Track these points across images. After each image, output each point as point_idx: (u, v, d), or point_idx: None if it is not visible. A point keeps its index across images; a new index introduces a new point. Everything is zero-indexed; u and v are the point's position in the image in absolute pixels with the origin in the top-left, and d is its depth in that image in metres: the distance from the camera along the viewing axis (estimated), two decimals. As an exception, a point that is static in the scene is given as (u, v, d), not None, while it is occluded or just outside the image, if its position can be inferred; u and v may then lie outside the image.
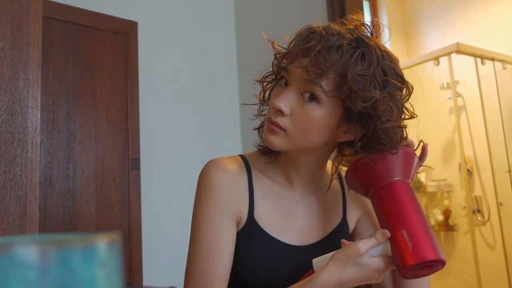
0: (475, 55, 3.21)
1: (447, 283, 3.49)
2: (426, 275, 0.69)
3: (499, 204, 3.17)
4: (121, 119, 2.44)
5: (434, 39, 3.79)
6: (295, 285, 0.71)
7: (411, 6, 4.04)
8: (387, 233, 0.69)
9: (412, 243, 0.66)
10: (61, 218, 2.15)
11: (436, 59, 3.25)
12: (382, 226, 0.71)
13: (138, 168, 2.44)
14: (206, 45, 2.89)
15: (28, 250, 0.19)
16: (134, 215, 2.38)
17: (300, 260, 0.78)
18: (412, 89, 0.75)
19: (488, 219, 3.27)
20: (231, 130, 2.86)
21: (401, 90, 0.72)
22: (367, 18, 3.95)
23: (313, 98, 0.70)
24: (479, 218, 3.32)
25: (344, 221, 0.87)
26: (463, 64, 3.30)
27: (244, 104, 0.86)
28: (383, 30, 0.79)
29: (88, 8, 2.40)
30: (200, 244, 0.75)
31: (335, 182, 0.88)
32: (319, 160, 0.81)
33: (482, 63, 3.23)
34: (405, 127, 0.73)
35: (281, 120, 0.72)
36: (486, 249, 3.27)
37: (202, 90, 2.81)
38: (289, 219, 0.81)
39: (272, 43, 0.77)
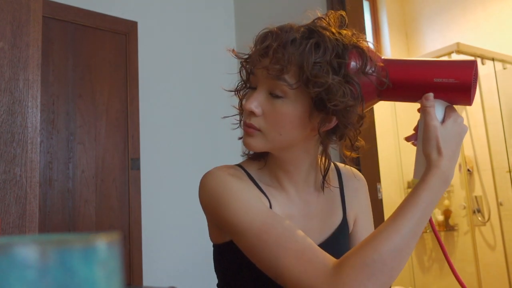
0: (475, 55, 3.21)
1: (447, 283, 3.49)
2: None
3: (499, 204, 3.17)
4: (121, 119, 2.44)
5: (434, 39, 3.79)
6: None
7: (411, 6, 4.04)
8: (429, 95, 0.71)
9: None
10: (61, 218, 2.15)
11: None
12: (415, 91, 0.73)
13: (138, 168, 2.44)
14: (206, 45, 2.89)
15: (28, 250, 0.19)
16: (134, 215, 2.38)
17: None
18: (372, 62, 0.73)
19: (488, 219, 3.27)
20: (231, 130, 2.86)
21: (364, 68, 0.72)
22: (367, 18, 3.95)
23: (280, 96, 0.73)
24: (479, 218, 3.32)
25: (344, 220, 0.86)
26: (463, 64, 3.29)
27: (225, 117, 0.88)
28: (340, 18, 0.78)
29: (88, 8, 2.41)
30: (264, 236, 0.68)
31: (333, 180, 0.88)
32: (305, 157, 0.80)
33: (482, 63, 3.23)
34: (363, 110, 0.73)
35: (255, 121, 0.75)
36: (486, 249, 3.27)
37: (202, 90, 2.81)
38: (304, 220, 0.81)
39: (233, 51, 0.79)
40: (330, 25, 0.75)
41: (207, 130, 2.78)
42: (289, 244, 0.66)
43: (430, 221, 0.72)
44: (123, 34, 2.52)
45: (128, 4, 2.59)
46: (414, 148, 0.77)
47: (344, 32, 0.74)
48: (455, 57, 3.17)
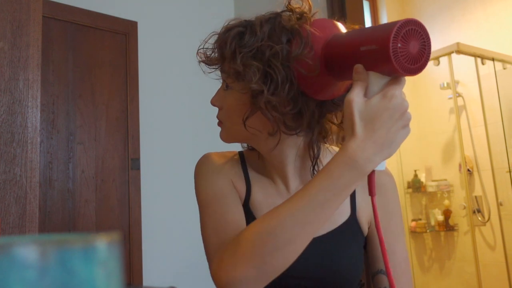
0: (475, 55, 3.21)
1: (447, 283, 3.49)
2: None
3: (499, 204, 3.17)
4: (121, 119, 2.43)
5: (434, 39, 3.79)
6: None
7: (411, 6, 4.04)
8: (357, 66, 0.60)
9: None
10: (61, 218, 2.15)
11: (436, 59, 3.25)
12: (349, 65, 0.62)
13: (138, 168, 2.44)
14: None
15: (28, 250, 0.19)
16: (134, 215, 2.38)
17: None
18: (304, 39, 0.66)
19: (488, 219, 3.27)
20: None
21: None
22: (367, 18, 3.95)
23: (227, 86, 0.76)
24: (479, 218, 3.32)
25: (353, 219, 0.80)
26: (463, 64, 3.30)
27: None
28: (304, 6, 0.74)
29: (88, 8, 2.40)
30: (207, 210, 0.77)
31: None
32: (289, 151, 0.77)
33: (482, 63, 3.23)
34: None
35: (219, 115, 0.80)
36: (486, 249, 3.27)
37: (202, 90, 2.81)
38: None
39: (197, 53, 0.81)
40: (292, 13, 0.71)
41: (207, 130, 2.78)
42: (212, 220, 0.74)
43: (375, 215, 0.61)
44: (123, 34, 2.52)
45: (128, 4, 2.59)
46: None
47: (288, 17, 0.70)
48: (454, 57, 3.17)
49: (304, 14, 0.70)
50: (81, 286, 0.20)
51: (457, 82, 3.45)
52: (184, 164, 2.64)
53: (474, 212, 3.30)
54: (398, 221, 0.81)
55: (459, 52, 3.10)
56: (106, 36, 2.46)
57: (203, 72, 0.83)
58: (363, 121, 0.58)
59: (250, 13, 0.79)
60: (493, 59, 3.24)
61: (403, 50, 0.56)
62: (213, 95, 0.81)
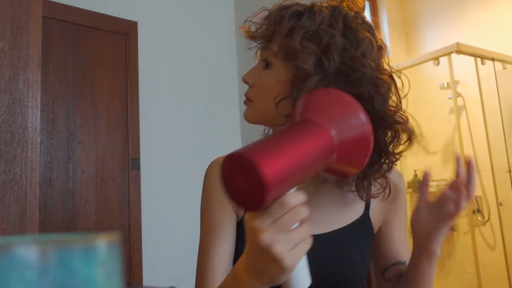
0: (475, 55, 3.21)
1: (447, 283, 3.49)
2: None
3: (499, 204, 3.17)
4: (121, 119, 2.43)
5: (434, 39, 3.79)
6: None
7: (411, 6, 4.04)
8: None
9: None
10: (61, 218, 2.15)
11: (436, 59, 3.25)
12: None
13: (138, 168, 2.44)
14: (206, 45, 2.89)
15: (28, 250, 0.19)
16: (134, 215, 2.38)
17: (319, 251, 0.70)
18: (382, 45, 0.71)
19: (488, 219, 3.27)
20: (231, 130, 2.86)
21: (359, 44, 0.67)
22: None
23: (268, 64, 0.73)
24: (479, 218, 3.32)
25: (366, 217, 0.80)
26: (463, 64, 3.30)
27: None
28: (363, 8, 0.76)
29: (88, 8, 2.41)
30: (202, 229, 0.79)
31: None
32: None
33: (482, 63, 3.23)
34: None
35: (248, 92, 0.77)
36: (486, 249, 3.27)
37: (202, 90, 2.81)
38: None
39: (240, 28, 0.79)
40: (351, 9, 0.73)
41: (207, 129, 2.78)
42: (203, 247, 0.76)
43: None
44: (123, 34, 2.52)
45: (128, 4, 2.59)
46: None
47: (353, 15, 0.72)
48: (454, 57, 3.17)
49: (365, 20, 0.73)
50: (81, 286, 0.20)
51: (457, 82, 3.45)
52: (184, 164, 2.64)
53: (474, 212, 3.30)
54: (406, 219, 0.84)
55: (459, 52, 3.10)
56: (106, 36, 2.46)
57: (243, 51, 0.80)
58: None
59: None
60: (493, 59, 3.24)
61: (231, 186, 0.49)
62: (246, 72, 0.77)
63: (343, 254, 0.77)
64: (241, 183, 0.47)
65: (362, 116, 0.55)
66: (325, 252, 0.75)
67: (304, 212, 0.50)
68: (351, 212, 0.80)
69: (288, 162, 0.48)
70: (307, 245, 0.50)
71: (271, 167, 0.45)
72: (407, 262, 0.80)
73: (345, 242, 0.77)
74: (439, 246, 0.71)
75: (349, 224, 0.79)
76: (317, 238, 0.71)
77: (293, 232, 0.49)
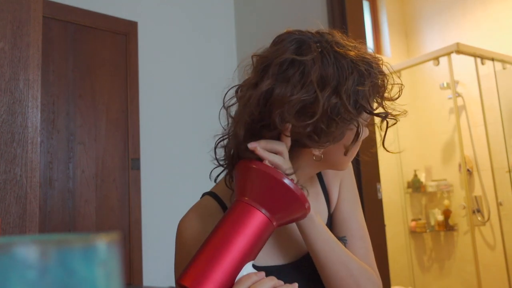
0: (475, 55, 3.21)
1: (447, 283, 3.49)
2: None
3: (499, 204, 3.17)
4: (121, 119, 2.44)
5: (434, 39, 3.79)
6: None
7: (411, 6, 4.04)
8: None
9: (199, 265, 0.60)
10: (61, 218, 2.15)
11: (436, 59, 3.25)
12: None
13: (138, 168, 2.44)
14: (206, 45, 2.89)
15: (28, 250, 0.19)
16: (134, 215, 2.38)
17: (293, 279, 0.69)
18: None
19: (488, 219, 3.27)
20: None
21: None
22: (367, 18, 3.95)
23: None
24: (479, 218, 3.32)
25: (329, 216, 0.84)
26: (463, 64, 3.30)
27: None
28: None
29: (88, 8, 2.41)
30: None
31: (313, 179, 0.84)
32: None
33: (482, 63, 3.23)
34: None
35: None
36: (486, 249, 3.27)
37: (202, 90, 2.81)
38: (272, 238, 0.77)
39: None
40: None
41: (207, 130, 2.78)
42: None
43: None
44: (123, 34, 2.52)
45: (128, 4, 2.59)
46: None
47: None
48: (454, 57, 3.17)
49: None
50: (81, 286, 0.20)
51: (457, 82, 3.45)
52: (184, 164, 2.64)
53: (474, 212, 3.30)
54: (356, 192, 0.87)
55: (459, 52, 3.10)
56: (106, 36, 2.46)
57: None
58: None
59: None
60: (493, 59, 3.24)
61: None
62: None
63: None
64: None
65: (287, 184, 0.60)
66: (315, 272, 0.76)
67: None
68: (322, 208, 0.83)
69: (226, 271, 0.58)
70: None
71: (209, 286, 0.57)
72: (348, 238, 0.81)
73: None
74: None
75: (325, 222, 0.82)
76: (299, 263, 0.73)
77: None
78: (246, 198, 0.62)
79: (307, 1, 2.50)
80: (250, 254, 0.60)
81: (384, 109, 0.70)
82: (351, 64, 0.64)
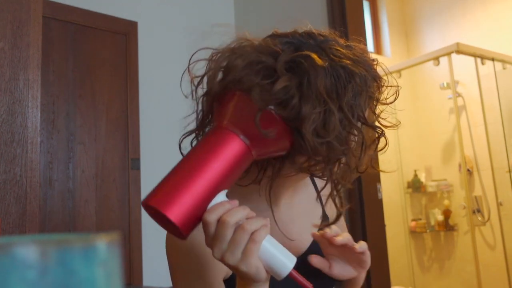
0: (475, 55, 3.21)
1: (447, 283, 3.49)
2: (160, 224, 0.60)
3: (499, 204, 3.17)
4: (121, 119, 2.44)
5: (434, 39, 3.79)
6: None
7: (411, 6, 4.04)
8: None
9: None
10: (61, 218, 2.15)
11: (436, 59, 3.25)
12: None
13: (138, 168, 2.44)
14: (206, 45, 2.89)
15: (28, 250, 0.19)
16: (134, 215, 2.38)
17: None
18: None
19: (488, 219, 3.27)
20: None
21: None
22: (367, 18, 3.95)
23: None
24: (479, 218, 3.32)
25: (324, 213, 0.83)
26: (463, 64, 3.30)
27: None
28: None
29: (88, 8, 2.41)
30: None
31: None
32: None
33: (482, 63, 3.23)
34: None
35: None
36: (486, 249, 3.28)
37: (202, 90, 2.82)
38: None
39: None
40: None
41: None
42: None
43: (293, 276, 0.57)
44: (123, 34, 2.52)
45: (128, 4, 2.59)
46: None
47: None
48: (454, 57, 3.17)
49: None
50: (81, 286, 0.20)
51: (457, 82, 3.45)
52: (184, 164, 2.64)
53: (474, 212, 3.30)
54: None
55: (459, 52, 3.10)
56: (106, 36, 2.46)
57: None
58: None
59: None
60: (493, 59, 3.24)
61: (160, 223, 0.60)
62: None
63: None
64: (164, 221, 0.57)
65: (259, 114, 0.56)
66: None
67: (233, 218, 0.53)
68: (318, 210, 0.83)
69: (197, 195, 0.54)
70: (256, 242, 0.53)
71: (177, 208, 0.53)
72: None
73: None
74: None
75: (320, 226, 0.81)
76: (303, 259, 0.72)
77: (233, 240, 0.53)
78: (225, 122, 0.58)
79: (307, 1, 2.50)
80: (224, 181, 0.56)
81: (380, 125, 0.65)
82: (349, 71, 0.59)
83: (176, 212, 0.53)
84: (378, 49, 3.96)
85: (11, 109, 1.00)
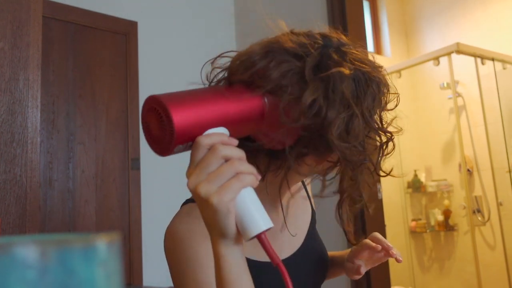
0: (475, 55, 3.21)
1: (447, 283, 3.49)
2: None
3: (499, 204, 3.17)
4: (121, 119, 2.44)
5: (434, 39, 3.79)
6: None
7: (411, 6, 4.04)
8: None
9: None
10: (61, 218, 2.15)
11: (436, 59, 3.25)
12: None
13: (138, 168, 2.44)
14: (206, 45, 2.89)
15: (28, 250, 0.19)
16: (134, 215, 2.38)
17: (291, 274, 0.64)
18: None
19: (488, 219, 3.27)
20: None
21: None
22: (367, 18, 3.95)
23: None
24: (479, 218, 3.32)
25: (313, 212, 0.87)
26: (463, 64, 3.30)
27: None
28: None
29: (88, 8, 2.41)
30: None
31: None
32: None
33: (482, 63, 3.23)
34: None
35: None
36: (486, 249, 3.28)
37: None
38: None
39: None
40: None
41: (207, 130, 2.79)
42: None
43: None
44: (123, 34, 2.52)
45: (128, 4, 2.59)
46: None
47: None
48: (454, 57, 3.17)
49: None
50: (81, 286, 0.20)
51: (457, 82, 3.45)
52: (184, 164, 2.64)
53: (474, 212, 3.30)
54: None
55: (459, 52, 3.10)
56: (106, 36, 2.46)
57: None
58: None
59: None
60: (493, 59, 3.24)
61: (147, 133, 0.56)
62: None
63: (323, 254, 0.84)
64: (156, 126, 0.54)
65: None
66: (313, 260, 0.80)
67: (226, 150, 0.50)
68: (308, 212, 0.86)
69: (201, 108, 0.53)
70: (239, 181, 0.49)
71: (180, 112, 0.51)
72: None
73: (317, 238, 0.84)
74: None
75: (308, 227, 0.84)
76: (296, 256, 0.74)
77: (217, 170, 0.49)
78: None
79: (307, 1, 2.50)
80: (231, 120, 0.55)
81: (386, 131, 0.66)
82: (368, 77, 0.60)
83: (179, 115, 0.51)
84: (378, 49, 3.96)
85: (11, 109, 1.00)
